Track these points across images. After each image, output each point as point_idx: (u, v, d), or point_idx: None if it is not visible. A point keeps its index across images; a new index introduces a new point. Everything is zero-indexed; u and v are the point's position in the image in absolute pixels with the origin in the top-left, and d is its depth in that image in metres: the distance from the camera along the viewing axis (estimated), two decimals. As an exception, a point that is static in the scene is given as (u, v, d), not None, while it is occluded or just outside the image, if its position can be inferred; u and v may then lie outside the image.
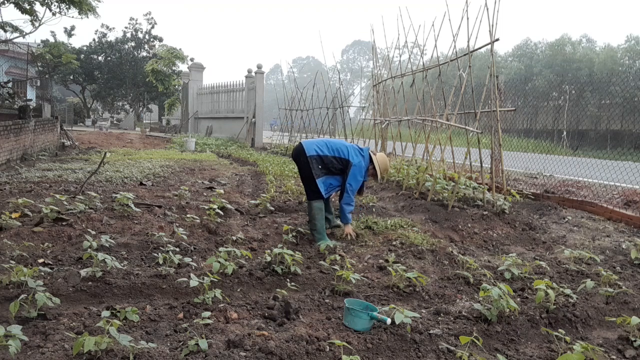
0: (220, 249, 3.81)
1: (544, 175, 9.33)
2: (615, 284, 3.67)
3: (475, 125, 6.36)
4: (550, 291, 3.12)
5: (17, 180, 7.23)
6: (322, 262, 3.93)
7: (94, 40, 30.79)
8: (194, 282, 3.06)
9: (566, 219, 6.04)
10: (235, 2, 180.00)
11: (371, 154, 4.92)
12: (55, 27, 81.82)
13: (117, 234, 4.55)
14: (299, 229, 4.99)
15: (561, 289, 3.37)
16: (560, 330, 2.77)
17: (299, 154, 4.84)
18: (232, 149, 15.95)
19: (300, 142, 5.00)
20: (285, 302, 3.05)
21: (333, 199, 5.59)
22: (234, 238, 4.65)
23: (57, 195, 5.11)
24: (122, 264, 3.65)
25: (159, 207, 5.71)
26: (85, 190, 6.25)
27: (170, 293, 3.29)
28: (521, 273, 3.94)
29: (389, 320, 2.75)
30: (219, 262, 3.47)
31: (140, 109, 33.49)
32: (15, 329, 2.30)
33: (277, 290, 3.35)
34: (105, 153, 8.65)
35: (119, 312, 2.76)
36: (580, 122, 17.07)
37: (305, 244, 4.72)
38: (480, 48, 6.44)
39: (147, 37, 31.24)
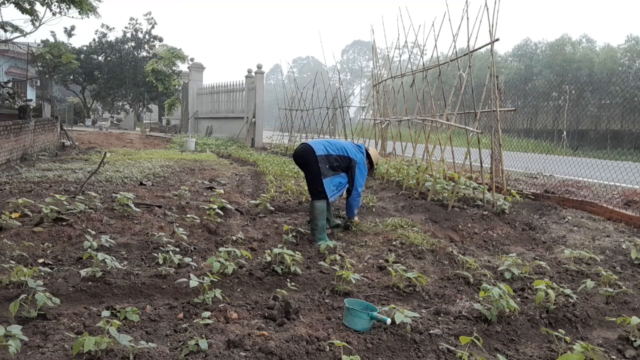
0: (220, 249, 3.81)
1: (544, 175, 9.33)
2: (615, 284, 3.67)
3: (475, 125, 6.36)
4: (550, 291, 3.12)
5: (17, 180, 7.23)
6: (322, 262, 3.93)
7: (94, 40, 30.78)
8: (194, 282, 3.06)
9: (566, 219, 6.04)
10: (235, 2, 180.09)
11: (367, 149, 5.27)
12: (55, 27, 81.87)
13: (117, 234, 4.55)
14: (299, 229, 4.99)
15: (561, 289, 3.37)
16: (560, 330, 2.77)
17: (306, 154, 4.87)
18: (232, 149, 15.96)
19: (304, 143, 5.11)
20: (285, 302, 3.05)
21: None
22: (234, 238, 4.65)
23: (57, 195, 5.11)
24: (122, 264, 3.65)
25: (159, 207, 5.71)
26: (85, 190, 6.25)
27: (170, 293, 3.29)
28: (521, 273, 3.94)
29: (389, 320, 2.75)
30: (219, 262, 3.47)
31: (140, 109, 33.48)
32: (15, 329, 2.30)
33: (277, 290, 3.35)
34: (105, 153, 8.65)
35: (119, 312, 2.76)
36: (580, 122, 17.07)
37: (305, 244, 4.72)
38: (480, 48, 6.44)
39: (147, 37, 31.24)
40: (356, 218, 5.33)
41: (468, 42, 6.34)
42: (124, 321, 2.69)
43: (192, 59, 24.03)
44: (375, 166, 5.40)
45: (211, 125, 23.11)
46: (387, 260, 4.16)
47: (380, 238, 4.87)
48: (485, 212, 5.86)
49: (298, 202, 6.65)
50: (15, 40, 12.00)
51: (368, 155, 5.22)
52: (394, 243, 4.69)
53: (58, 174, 8.02)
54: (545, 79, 31.08)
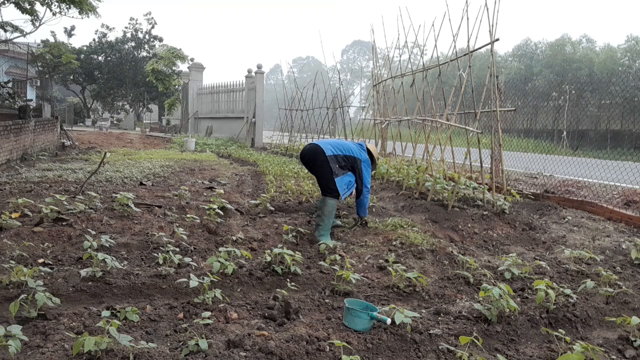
0: (220, 249, 3.81)
1: (544, 175, 9.33)
2: (615, 284, 3.67)
3: (475, 125, 6.37)
4: (550, 291, 3.12)
5: (17, 180, 7.23)
6: (322, 262, 3.93)
7: (94, 40, 30.79)
8: (194, 282, 3.06)
9: (566, 219, 6.04)
10: (235, 2, 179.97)
11: (367, 146, 5.39)
12: (55, 27, 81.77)
13: (117, 234, 4.55)
14: (299, 229, 4.99)
15: (561, 289, 3.38)
16: (560, 330, 2.77)
17: (315, 154, 4.96)
18: (232, 149, 15.95)
19: (312, 143, 5.22)
20: (285, 302, 3.05)
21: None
22: (234, 238, 4.65)
23: (57, 195, 5.11)
24: (122, 264, 3.65)
25: (159, 207, 5.70)
26: (85, 190, 6.24)
27: (170, 293, 3.29)
28: (521, 273, 3.94)
29: (389, 320, 2.75)
30: (219, 262, 3.47)
31: (140, 109, 33.48)
32: (15, 329, 2.29)
33: (277, 290, 3.35)
34: (105, 153, 8.65)
35: (119, 312, 2.76)
36: (580, 122, 17.05)
37: (305, 244, 4.72)
38: (480, 48, 6.44)
39: (147, 37, 31.23)
40: (366, 218, 5.39)
41: (468, 42, 6.34)
42: (124, 321, 2.69)
43: (192, 59, 24.01)
44: (376, 161, 5.51)
45: (211, 125, 23.11)
46: (387, 260, 4.16)
47: (380, 238, 4.87)
48: (485, 212, 5.86)
49: (298, 202, 6.65)
50: (15, 40, 12.01)
51: (369, 152, 5.31)
52: (394, 243, 4.69)
53: (58, 174, 8.02)
54: (545, 79, 31.07)
